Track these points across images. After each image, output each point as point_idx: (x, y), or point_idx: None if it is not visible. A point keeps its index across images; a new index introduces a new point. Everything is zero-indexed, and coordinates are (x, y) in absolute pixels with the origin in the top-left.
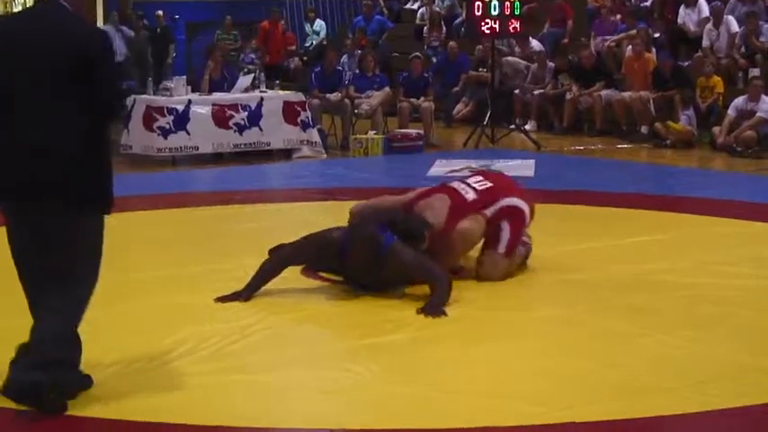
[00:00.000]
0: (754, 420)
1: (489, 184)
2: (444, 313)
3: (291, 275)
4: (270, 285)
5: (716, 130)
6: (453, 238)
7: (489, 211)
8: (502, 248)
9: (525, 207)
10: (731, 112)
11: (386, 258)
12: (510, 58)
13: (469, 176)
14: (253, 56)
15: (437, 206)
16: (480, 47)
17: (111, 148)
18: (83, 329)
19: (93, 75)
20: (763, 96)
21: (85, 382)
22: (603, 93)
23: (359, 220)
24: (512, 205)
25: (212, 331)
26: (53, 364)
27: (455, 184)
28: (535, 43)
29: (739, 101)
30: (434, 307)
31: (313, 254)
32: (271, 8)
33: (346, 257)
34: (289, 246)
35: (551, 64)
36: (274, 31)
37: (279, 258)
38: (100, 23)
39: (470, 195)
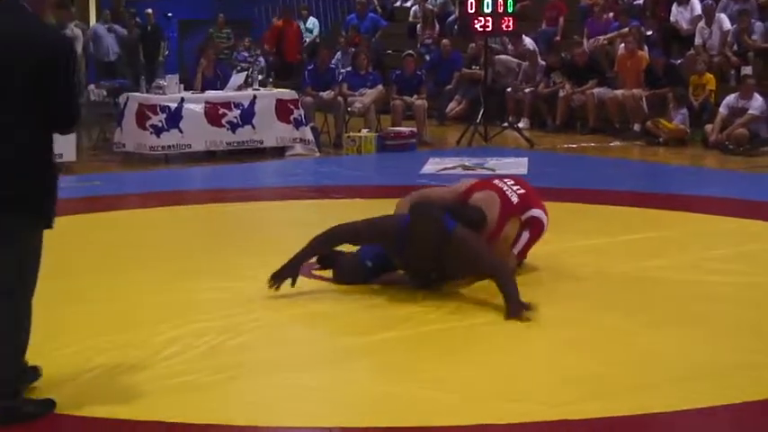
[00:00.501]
0: (738, 418)
1: (523, 191)
2: (529, 308)
3: None
4: (261, 284)
5: (708, 127)
6: (499, 240)
7: (523, 218)
8: (516, 250)
9: (545, 220)
10: (723, 109)
11: (450, 242)
12: (502, 57)
13: (505, 177)
14: (246, 54)
15: (490, 203)
16: (473, 45)
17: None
18: (79, 325)
19: (50, 82)
20: (755, 94)
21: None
22: (596, 91)
23: (417, 205)
24: (536, 216)
25: (206, 329)
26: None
27: (498, 183)
28: (528, 41)
29: (731, 98)
30: (516, 306)
31: (373, 237)
32: (284, 7)
33: (406, 243)
34: (345, 225)
35: (543, 62)
36: (288, 30)
37: (333, 234)
38: (92, 22)
39: (514, 198)
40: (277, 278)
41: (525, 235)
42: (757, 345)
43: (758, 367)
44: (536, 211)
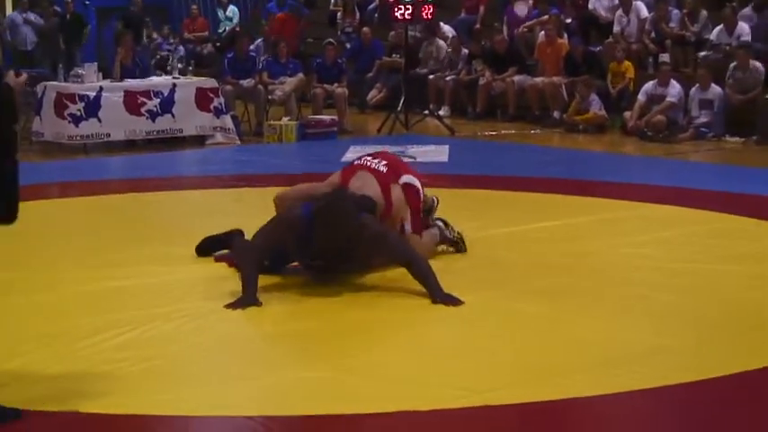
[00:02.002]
0: (656, 402)
1: (386, 161)
2: (455, 299)
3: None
4: (185, 274)
5: (627, 114)
6: (394, 212)
7: (400, 182)
8: (409, 228)
9: (419, 184)
10: (641, 96)
11: (360, 229)
12: (440, 42)
13: (363, 155)
14: (163, 42)
15: (369, 184)
16: (393, 33)
17: None
18: (1, 318)
19: None
20: (673, 81)
21: None
22: (516, 78)
23: (325, 195)
24: (408, 183)
25: (130, 319)
26: None
27: (363, 162)
28: (447, 28)
29: (649, 86)
30: (442, 295)
31: (282, 234)
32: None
33: (315, 230)
34: (260, 236)
35: (465, 50)
36: (290, 22)
37: (258, 251)
38: (9, 10)
39: (382, 168)
40: (236, 307)
41: (405, 209)
42: (673, 329)
43: (674, 351)
44: (406, 178)
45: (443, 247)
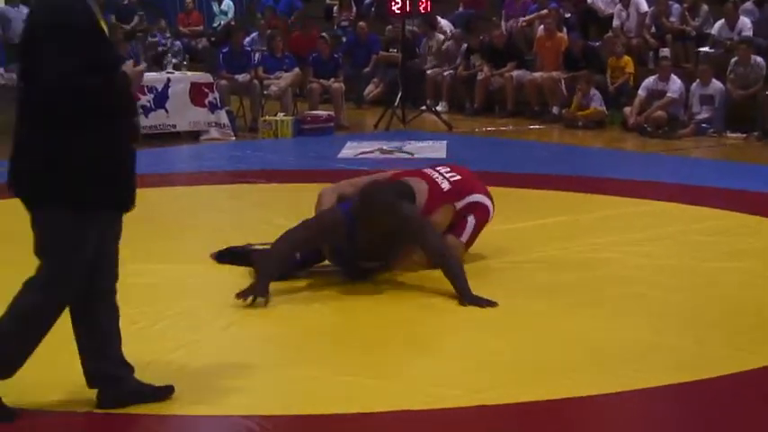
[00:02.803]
0: (661, 401)
1: (458, 177)
2: (486, 301)
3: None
4: (179, 272)
5: (627, 110)
6: (433, 218)
7: (459, 204)
8: (465, 237)
9: (490, 204)
10: (641, 92)
11: (403, 224)
12: (440, 36)
13: (438, 166)
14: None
15: (417, 188)
16: (390, 27)
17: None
18: None
19: (36, 51)
20: (673, 76)
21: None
22: (515, 73)
23: (367, 191)
24: (479, 201)
25: (123, 317)
26: None
27: (428, 171)
28: (444, 23)
29: (649, 81)
30: (471, 297)
31: (319, 237)
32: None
33: (357, 233)
34: (296, 235)
35: (463, 45)
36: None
37: (291, 246)
38: (1, 3)
39: (445, 185)
40: (244, 296)
41: (471, 220)
42: (673, 328)
43: (673, 350)
44: (476, 197)
45: None
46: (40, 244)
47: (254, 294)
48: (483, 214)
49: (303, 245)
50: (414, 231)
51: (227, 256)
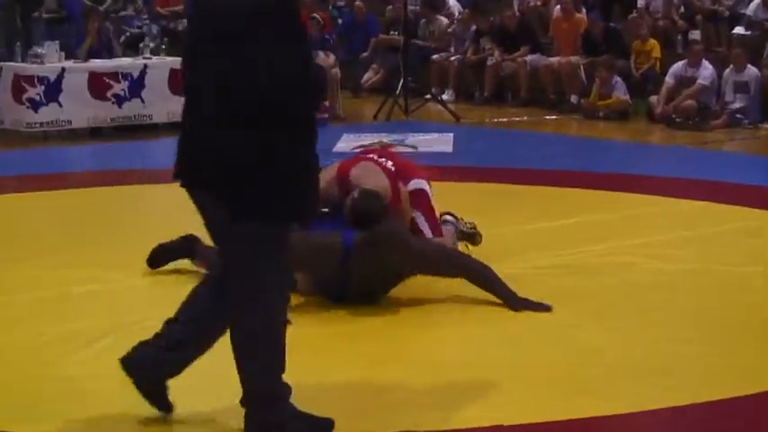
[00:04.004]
0: (691, 419)
1: (391, 162)
2: (539, 304)
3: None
4: (156, 278)
5: (653, 99)
6: (402, 206)
7: (408, 188)
8: (428, 233)
9: (427, 186)
10: (669, 79)
11: (407, 259)
12: (442, 19)
13: (370, 153)
14: (133, 18)
15: (372, 174)
16: (391, 7)
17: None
18: None
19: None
20: (704, 62)
21: None
22: (528, 58)
23: (379, 229)
24: (417, 188)
25: (94, 328)
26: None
27: (368, 155)
28: (452, 2)
29: (678, 67)
30: (521, 301)
31: (307, 258)
32: None
33: (350, 261)
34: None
35: (472, 27)
36: None
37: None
38: None
39: (389, 165)
40: None
41: (418, 215)
42: (702, 338)
43: (703, 363)
44: (415, 182)
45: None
46: (242, 260)
47: None
48: (424, 201)
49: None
50: (427, 266)
51: (163, 255)
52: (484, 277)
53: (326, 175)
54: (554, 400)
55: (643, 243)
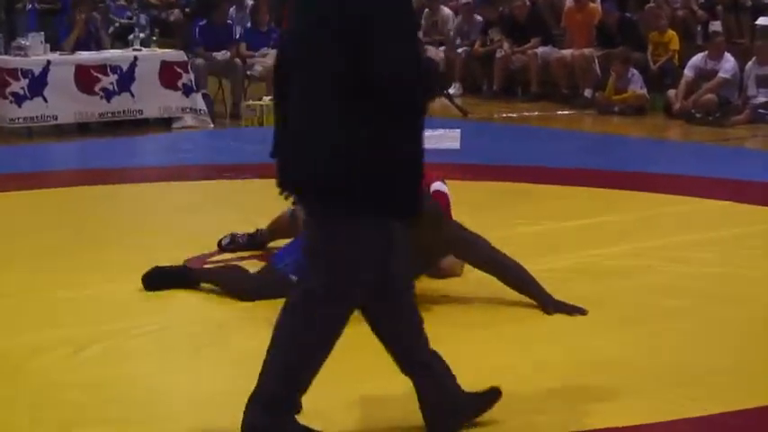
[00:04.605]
0: (725, 429)
1: None
2: (575, 307)
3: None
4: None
5: (671, 93)
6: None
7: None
8: None
9: (446, 188)
10: (689, 72)
11: (449, 235)
12: (446, 11)
13: None
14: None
15: None
16: None
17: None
18: None
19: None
20: (726, 54)
21: None
22: (540, 50)
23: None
24: (438, 190)
25: (81, 335)
26: (270, 400)
27: None
28: None
29: (698, 59)
30: (556, 303)
31: None
32: None
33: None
34: None
35: (479, 18)
36: None
37: None
38: None
39: None
40: None
41: None
42: (727, 347)
43: (729, 374)
44: (436, 185)
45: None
46: (332, 255)
47: None
48: (446, 205)
49: None
50: (461, 249)
51: (157, 278)
52: (517, 276)
53: None
54: (571, 411)
55: (661, 245)
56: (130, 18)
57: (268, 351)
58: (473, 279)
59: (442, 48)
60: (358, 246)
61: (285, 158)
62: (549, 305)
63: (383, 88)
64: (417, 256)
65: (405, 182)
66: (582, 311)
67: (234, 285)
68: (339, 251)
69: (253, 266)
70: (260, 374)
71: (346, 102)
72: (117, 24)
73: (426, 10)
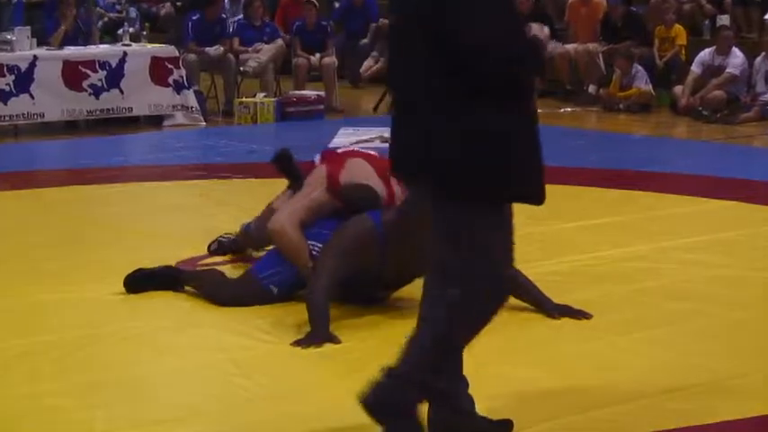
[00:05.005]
0: None
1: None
2: (577, 311)
3: None
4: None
5: (677, 90)
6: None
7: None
8: None
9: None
10: (696, 68)
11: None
12: None
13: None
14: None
15: (363, 172)
16: None
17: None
18: None
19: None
20: (734, 49)
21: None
22: None
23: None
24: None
25: (65, 340)
26: (414, 385)
27: (355, 149)
28: None
29: (705, 55)
30: (556, 306)
31: (356, 263)
32: None
33: (387, 245)
34: (329, 259)
35: None
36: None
37: (333, 280)
38: None
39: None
40: (305, 343)
41: None
42: (735, 353)
43: (737, 383)
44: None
45: None
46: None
47: (320, 340)
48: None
49: (343, 275)
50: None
51: (139, 281)
52: (514, 281)
53: (316, 181)
54: (571, 418)
55: (669, 246)
56: (120, 12)
57: (412, 340)
58: None
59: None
60: (491, 230)
61: (405, 146)
62: (554, 310)
63: (473, 63)
64: (420, 257)
65: (525, 167)
66: (587, 316)
67: (211, 290)
68: (473, 235)
69: (239, 269)
70: (401, 359)
71: (461, 88)
72: (106, 19)
73: None
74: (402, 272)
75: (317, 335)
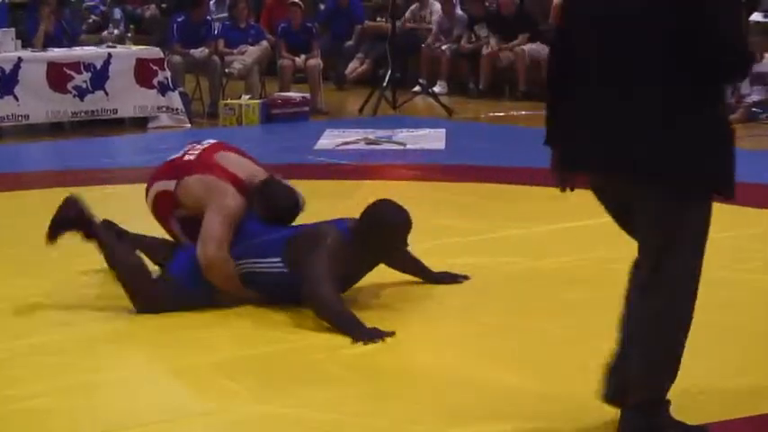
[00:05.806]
0: None
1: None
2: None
3: None
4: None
5: None
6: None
7: None
8: None
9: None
10: None
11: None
12: (436, 5)
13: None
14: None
15: (239, 160)
16: None
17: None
18: None
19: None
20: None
21: None
22: (528, 47)
23: (376, 208)
24: None
25: (49, 344)
26: (659, 405)
27: (190, 157)
28: None
29: None
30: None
31: (335, 263)
32: None
33: (359, 250)
34: (319, 266)
35: (460, 12)
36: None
37: (333, 290)
38: None
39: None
40: (370, 340)
41: None
42: (720, 356)
43: (729, 379)
44: None
45: None
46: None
47: (378, 337)
48: None
49: (335, 274)
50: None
51: (62, 224)
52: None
53: (212, 195)
54: (564, 421)
55: None
56: (104, 13)
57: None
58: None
59: None
60: (701, 223)
61: (609, 142)
62: (438, 277)
63: (713, 60)
64: (361, 272)
65: (730, 160)
66: (466, 277)
67: (142, 282)
68: (686, 228)
69: None
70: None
71: (675, 81)
72: (90, 20)
73: (415, 5)
74: (358, 274)
75: (361, 335)
